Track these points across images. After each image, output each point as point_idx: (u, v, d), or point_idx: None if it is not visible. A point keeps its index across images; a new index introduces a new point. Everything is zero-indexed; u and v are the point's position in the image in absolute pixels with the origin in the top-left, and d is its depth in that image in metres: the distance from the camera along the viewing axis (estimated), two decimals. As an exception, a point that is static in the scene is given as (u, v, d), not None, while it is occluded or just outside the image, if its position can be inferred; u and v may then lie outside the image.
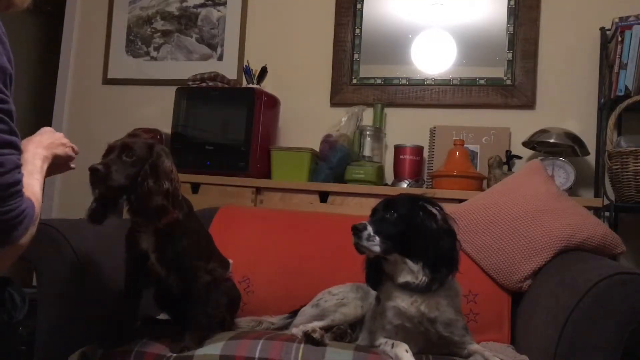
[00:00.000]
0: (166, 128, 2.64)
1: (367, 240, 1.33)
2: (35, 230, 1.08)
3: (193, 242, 1.48)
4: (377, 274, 1.44)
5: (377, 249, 1.34)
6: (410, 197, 1.44)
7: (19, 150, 1.01)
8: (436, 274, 1.35)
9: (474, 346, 1.42)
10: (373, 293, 1.56)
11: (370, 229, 1.34)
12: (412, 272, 1.36)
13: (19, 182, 0.99)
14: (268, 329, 1.70)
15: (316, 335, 1.36)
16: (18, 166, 1.00)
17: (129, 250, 1.48)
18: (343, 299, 1.58)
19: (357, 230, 1.34)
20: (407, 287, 1.37)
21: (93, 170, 1.30)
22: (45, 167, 1.20)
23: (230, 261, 1.70)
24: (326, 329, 1.50)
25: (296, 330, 1.52)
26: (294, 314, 1.70)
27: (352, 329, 1.56)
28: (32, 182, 1.11)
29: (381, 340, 1.37)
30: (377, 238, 1.34)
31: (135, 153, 1.36)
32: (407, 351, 1.30)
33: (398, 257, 1.37)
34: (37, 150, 1.19)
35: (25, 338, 1.50)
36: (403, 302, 1.37)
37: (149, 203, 1.34)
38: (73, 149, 1.34)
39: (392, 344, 1.33)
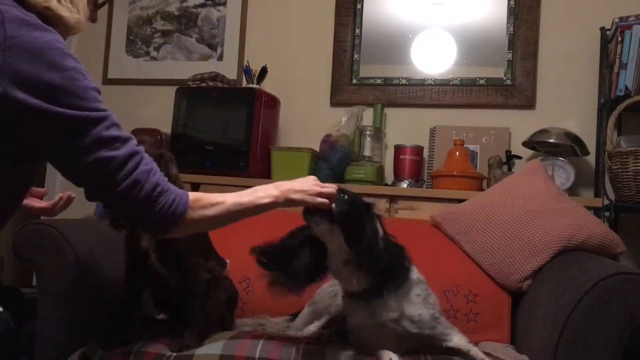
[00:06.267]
0: (166, 128, 2.64)
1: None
2: (206, 213, 1.11)
3: (192, 240, 1.48)
4: (314, 265, 1.32)
5: (333, 206, 1.24)
6: (359, 197, 1.36)
7: (141, 154, 1.05)
8: (380, 284, 1.28)
9: (455, 339, 1.38)
10: None
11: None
12: (353, 276, 1.29)
13: (156, 185, 1.04)
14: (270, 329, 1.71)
15: (324, 339, 1.40)
16: (148, 172, 1.04)
17: (129, 251, 1.49)
18: (335, 286, 1.57)
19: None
20: (356, 297, 1.33)
21: None
22: (263, 202, 1.20)
23: (227, 261, 1.70)
24: (327, 326, 1.52)
25: (301, 335, 1.53)
26: (295, 315, 1.71)
27: None
28: (221, 196, 1.15)
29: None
30: (333, 205, 1.25)
31: None
32: (391, 359, 1.29)
33: (341, 241, 1.26)
34: (269, 188, 1.22)
35: (25, 340, 1.51)
36: (360, 314, 1.35)
37: None
38: (322, 194, 1.24)
39: (378, 356, 1.32)
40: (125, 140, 1.03)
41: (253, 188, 1.22)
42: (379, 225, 1.33)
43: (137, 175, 1.02)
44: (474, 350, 1.37)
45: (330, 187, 1.26)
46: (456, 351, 1.38)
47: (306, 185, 1.24)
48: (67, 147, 0.98)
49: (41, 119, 0.95)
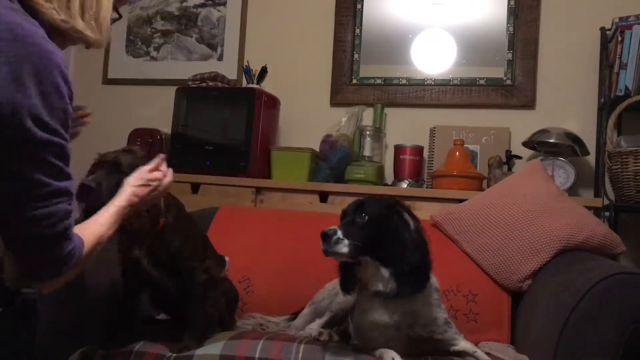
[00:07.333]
0: (166, 128, 2.64)
1: (335, 244, 1.26)
2: (81, 267, 1.11)
3: (184, 242, 1.48)
4: (352, 281, 1.39)
5: (345, 250, 1.26)
6: (383, 200, 1.40)
7: (71, 195, 1.03)
8: (404, 285, 1.30)
9: (462, 343, 1.40)
10: None
11: (339, 233, 1.27)
12: (382, 279, 1.31)
13: (68, 229, 1.03)
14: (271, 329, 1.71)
15: (323, 338, 1.41)
16: (68, 213, 1.02)
17: (122, 257, 1.49)
18: (336, 285, 1.57)
19: (326, 237, 1.26)
20: (379, 296, 1.33)
21: (84, 187, 1.29)
22: (118, 211, 1.23)
23: (226, 258, 1.70)
24: (328, 324, 1.53)
25: (302, 334, 1.53)
26: (296, 315, 1.71)
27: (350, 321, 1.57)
28: (90, 225, 1.16)
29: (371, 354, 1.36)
30: (346, 240, 1.26)
31: (124, 170, 1.33)
32: (393, 358, 1.29)
33: (370, 261, 1.31)
34: (115, 203, 1.24)
35: (25, 340, 1.51)
36: (376, 312, 1.35)
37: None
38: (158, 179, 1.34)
39: (380, 354, 1.32)
40: (66, 176, 1.01)
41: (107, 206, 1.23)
42: (406, 232, 1.34)
43: (57, 209, 0.99)
44: (479, 353, 1.37)
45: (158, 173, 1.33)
46: (458, 353, 1.39)
47: (136, 182, 1.29)
48: (16, 159, 0.95)
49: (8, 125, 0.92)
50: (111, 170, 1.33)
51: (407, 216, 1.37)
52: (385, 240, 1.31)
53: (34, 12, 1.00)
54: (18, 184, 0.96)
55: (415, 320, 1.34)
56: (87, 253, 1.10)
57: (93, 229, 1.15)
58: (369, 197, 1.42)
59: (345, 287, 1.40)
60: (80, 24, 1.06)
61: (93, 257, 1.15)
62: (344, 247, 1.26)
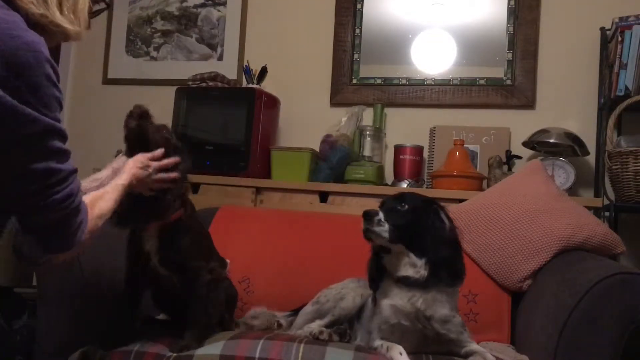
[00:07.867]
0: (166, 128, 2.64)
1: (377, 226, 1.34)
2: (89, 237, 1.15)
3: (194, 242, 1.49)
4: (378, 272, 1.45)
5: (386, 234, 1.34)
6: (422, 196, 1.47)
7: (76, 170, 1.09)
8: (437, 275, 1.36)
9: (474, 346, 1.41)
10: None
11: (381, 215, 1.36)
12: (414, 266, 1.37)
13: (80, 202, 1.09)
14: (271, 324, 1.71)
15: (323, 337, 1.43)
16: (79, 188, 1.09)
17: (131, 253, 1.50)
18: (342, 289, 1.60)
19: (368, 216, 1.35)
20: (405, 282, 1.37)
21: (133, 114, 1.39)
22: (121, 189, 1.29)
23: (227, 261, 1.70)
24: (328, 326, 1.53)
25: (302, 333, 1.53)
26: (297, 311, 1.71)
27: (350, 325, 1.57)
28: (96, 198, 1.22)
29: (377, 344, 1.38)
30: (387, 225, 1.35)
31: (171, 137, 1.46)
32: (400, 354, 1.30)
33: (403, 248, 1.38)
34: (119, 181, 1.30)
35: (25, 337, 1.51)
36: (400, 299, 1.37)
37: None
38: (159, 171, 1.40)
39: (387, 347, 1.33)
40: (69, 156, 1.05)
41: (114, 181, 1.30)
42: (442, 229, 1.40)
43: (71, 189, 1.05)
44: (489, 356, 1.38)
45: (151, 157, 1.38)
46: (466, 354, 1.40)
47: (134, 163, 1.35)
48: (25, 155, 0.97)
49: (9, 117, 0.93)
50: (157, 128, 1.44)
51: (443, 215, 1.42)
52: (421, 232, 1.37)
53: (13, 7, 1.00)
54: (34, 178, 0.98)
55: (434, 313, 1.36)
56: (93, 224, 1.14)
57: (100, 204, 1.20)
58: (410, 192, 1.49)
59: (374, 280, 1.45)
60: (58, 17, 1.06)
61: (98, 230, 1.18)
62: (384, 231, 1.34)
